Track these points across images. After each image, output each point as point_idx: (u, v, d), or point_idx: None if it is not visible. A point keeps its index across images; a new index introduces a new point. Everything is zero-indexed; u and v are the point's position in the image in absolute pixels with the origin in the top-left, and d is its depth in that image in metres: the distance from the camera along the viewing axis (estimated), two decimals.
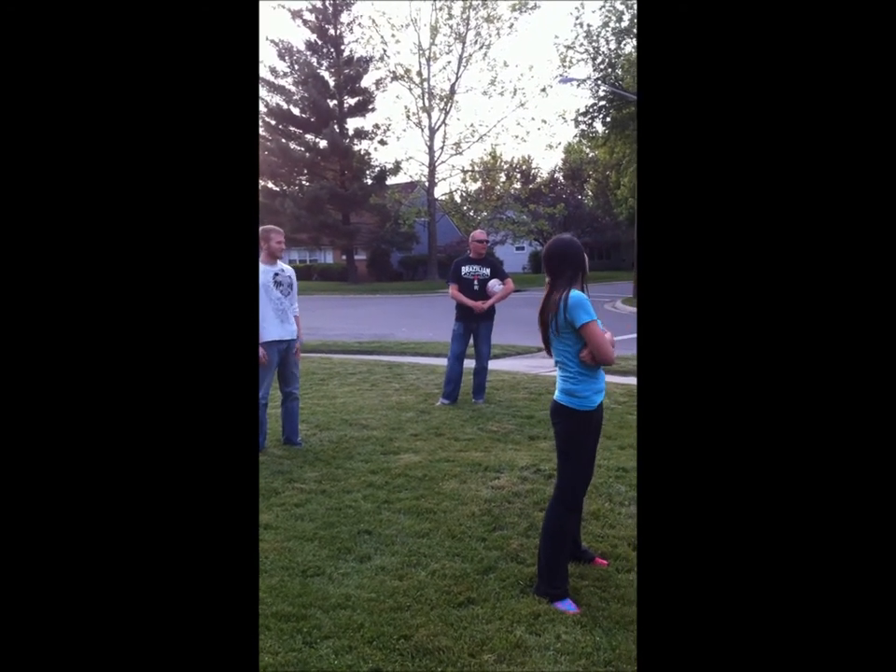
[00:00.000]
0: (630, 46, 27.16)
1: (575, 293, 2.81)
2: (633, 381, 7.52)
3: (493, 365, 7.03)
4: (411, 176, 34.83)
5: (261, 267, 4.98)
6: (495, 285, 6.49)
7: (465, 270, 6.57)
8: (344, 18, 32.46)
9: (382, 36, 35.61)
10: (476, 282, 6.52)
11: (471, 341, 6.72)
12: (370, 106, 33.44)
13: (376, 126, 33.04)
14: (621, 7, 27.91)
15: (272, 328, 4.98)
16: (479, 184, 36.22)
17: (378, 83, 32.97)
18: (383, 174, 32.92)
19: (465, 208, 37.51)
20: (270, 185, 32.72)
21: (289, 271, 5.21)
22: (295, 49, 32.47)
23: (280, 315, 5.04)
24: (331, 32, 32.34)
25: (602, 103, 30.03)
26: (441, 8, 31.03)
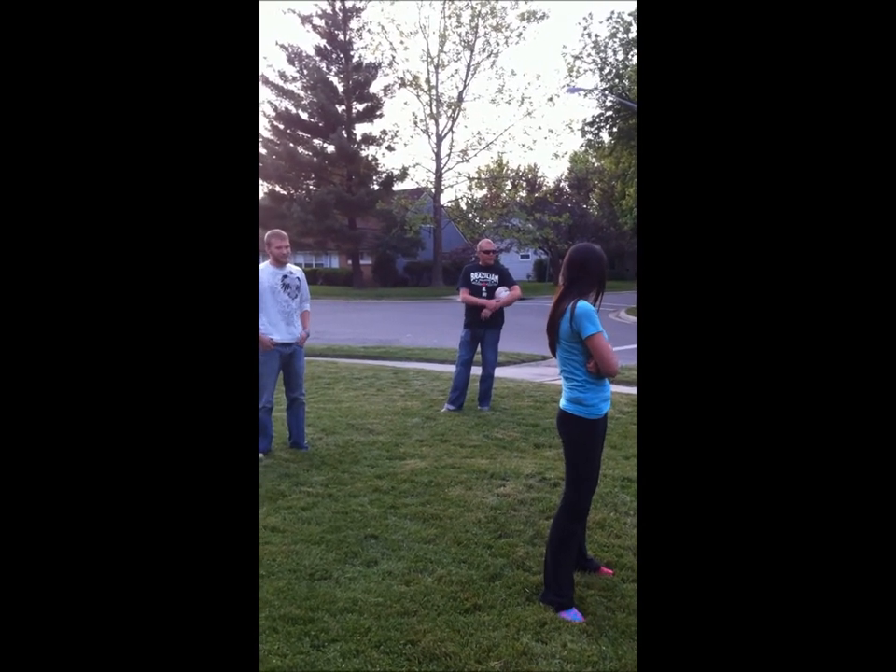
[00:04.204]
0: None
1: (583, 304, 2.82)
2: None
3: (497, 373, 7.04)
4: (417, 183, 34.89)
5: (270, 270, 5.03)
6: (502, 292, 6.55)
7: (474, 276, 6.62)
8: (354, 24, 32.57)
9: (391, 43, 35.49)
10: (485, 289, 6.58)
11: (478, 348, 6.75)
12: (378, 112, 33.52)
13: (384, 132, 33.09)
14: (628, 19, 28.01)
15: (276, 330, 5.00)
16: (485, 191, 36.23)
17: (386, 89, 33.05)
18: (389, 179, 32.96)
19: (470, 215, 37.51)
20: (277, 189, 32.80)
21: (298, 272, 5.23)
22: (304, 54, 32.58)
23: (286, 318, 5.06)
24: (341, 37, 32.44)
25: (609, 113, 30.14)
26: (449, 16, 31.15)
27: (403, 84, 32.04)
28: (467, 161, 33.84)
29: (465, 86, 32.11)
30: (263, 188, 32.52)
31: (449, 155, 32.96)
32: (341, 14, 32.13)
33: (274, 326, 5.00)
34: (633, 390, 7.55)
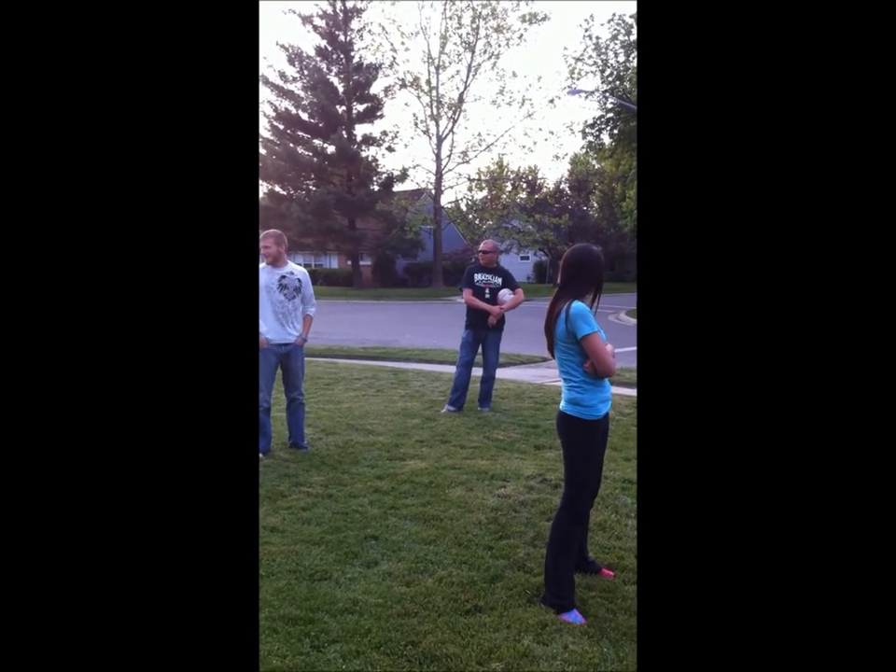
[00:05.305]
0: None
1: (577, 304, 2.80)
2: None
3: (498, 374, 7.03)
4: (417, 184, 34.92)
5: (267, 269, 5.00)
6: (505, 294, 6.53)
7: (477, 277, 6.61)
8: (355, 24, 32.58)
9: (391, 44, 35.50)
10: (487, 290, 6.57)
11: (479, 349, 6.74)
12: (378, 113, 33.53)
13: (384, 133, 33.10)
14: (630, 21, 28.08)
15: (271, 330, 4.98)
16: (485, 193, 36.25)
17: (387, 90, 33.06)
18: (389, 180, 32.96)
19: (470, 217, 37.53)
20: (277, 189, 32.79)
21: (300, 273, 5.17)
22: (305, 55, 32.59)
23: (280, 319, 5.02)
24: (341, 38, 32.45)
25: (610, 115, 30.21)
26: (450, 17, 31.18)
27: (404, 85, 32.08)
28: (467, 162, 33.96)
29: (465, 87, 32.16)
30: (263, 188, 32.51)
31: (449, 156, 33.02)
32: (341, 14, 32.14)
33: (269, 325, 4.97)
34: (634, 392, 7.54)
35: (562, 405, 2.96)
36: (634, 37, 27.77)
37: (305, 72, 32.53)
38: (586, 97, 28.54)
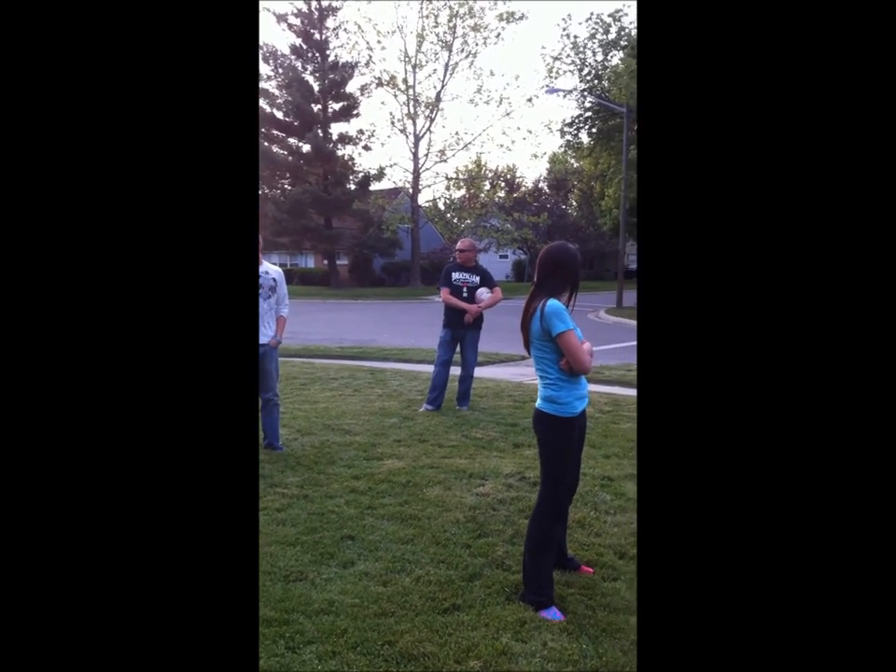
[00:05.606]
0: (616, 58, 27.52)
1: (552, 302, 2.80)
2: (617, 390, 7.57)
3: (476, 372, 7.01)
4: (395, 183, 34.82)
5: None
6: (483, 293, 6.51)
7: (455, 276, 6.57)
8: (330, 23, 32.40)
9: (367, 42, 35.40)
10: (465, 289, 6.53)
11: (457, 348, 6.71)
12: (354, 112, 33.36)
13: (360, 132, 32.97)
14: (608, 20, 28.28)
15: None
16: (463, 192, 36.25)
17: (363, 89, 32.91)
18: (366, 179, 32.82)
19: (449, 215, 37.52)
20: None
21: (274, 273, 5.11)
22: (280, 53, 32.36)
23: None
24: (317, 36, 32.25)
25: (588, 114, 30.39)
26: (427, 16, 31.11)
27: (380, 84, 31.97)
28: (445, 161, 33.85)
29: (443, 86, 32.11)
30: None
31: (427, 155, 32.95)
32: (317, 13, 31.95)
33: None
34: (613, 389, 7.59)
35: (538, 403, 2.95)
36: (611, 36, 27.94)
37: (280, 70, 32.31)
38: (564, 96, 28.70)
